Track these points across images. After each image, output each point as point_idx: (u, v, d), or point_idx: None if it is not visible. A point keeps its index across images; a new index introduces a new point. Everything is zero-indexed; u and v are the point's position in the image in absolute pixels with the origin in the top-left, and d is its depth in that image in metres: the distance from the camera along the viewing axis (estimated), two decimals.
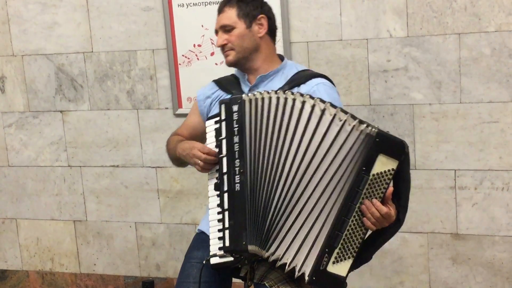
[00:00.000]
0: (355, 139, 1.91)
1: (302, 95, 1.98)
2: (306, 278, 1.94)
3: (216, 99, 2.37)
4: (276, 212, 1.98)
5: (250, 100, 2.05)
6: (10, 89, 3.65)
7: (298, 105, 1.97)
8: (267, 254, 1.99)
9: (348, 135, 1.91)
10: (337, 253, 1.93)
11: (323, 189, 1.93)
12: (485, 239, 3.02)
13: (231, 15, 2.28)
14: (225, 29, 2.29)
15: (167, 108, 3.39)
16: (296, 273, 1.96)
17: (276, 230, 1.98)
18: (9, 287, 3.90)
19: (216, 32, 2.34)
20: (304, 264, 1.95)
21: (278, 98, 2.01)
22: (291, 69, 2.34)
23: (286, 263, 1.97)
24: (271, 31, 2.35)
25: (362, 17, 3.01)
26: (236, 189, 2.01)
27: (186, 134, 2.46)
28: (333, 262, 1.93)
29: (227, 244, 2.00)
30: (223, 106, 2.08)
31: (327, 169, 1.93)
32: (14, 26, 3.57)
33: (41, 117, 3.63)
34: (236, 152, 2.03)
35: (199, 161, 2.15)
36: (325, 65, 3.09)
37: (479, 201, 3.00)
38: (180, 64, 3.30)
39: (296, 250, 1.96)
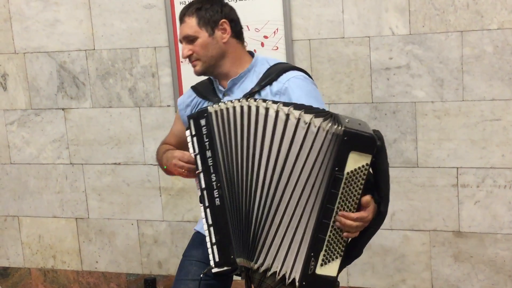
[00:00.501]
0: (323, 139, 1.88)
1: (265, 101, 1.95)
2: (297, 284, 1.93)
3: (195, 107, 2.36)
4: (258, 223, 1.97)
5: (216, 112, 2.01)
6: (12, 87, 3.65)
7: (262, 111, 1.93)
8: (256, 266, 1.99)
9: (315, 136, 1.88)
10: (324, 255, 1.92)
11: (300, 194, 1.91)
12: (487, 237, 3.02)
13: (191, 24, 2.22)
14: (188, 39, 2.24)
15: (169, 106, 3.39)
16: (287, 280, 1.95)
17: (261, 240, 1.97)
18: (11, 284, 3.91)
19: (181, 42, 2.29)
20: (293, 270, 1.94)
21: (242, 107, 1.97)
22: (262, 65, 2.29)
23: (276, 271, 1.96)
24: (236, 33, 2.29)
25: (364, 14, 3.00)
26: (217, 204, 2.00)
27: (173, 142, 2.45)
28: (321, 265, 1.92)
29: (216, 259, 2.02)
30: (191, 122, 2.04)
31: (300, 174, 1.90)
32: (16, 23, 3.57)
33: (43, 115, 3.63)
34: (211, 166, 2.01)
35: (182, 170, 2.14)
36: (327, 63, 3.09)
37: (482, 199, 3.00)
38: (182, 61, 3.30)
39: (284, 257, 1.95)
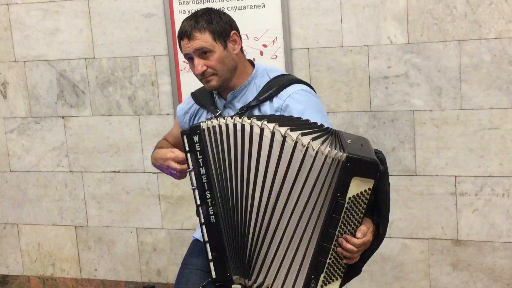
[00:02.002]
0: (322, 163, 1.85)
1: (260, 119, 1.92)
2: None
3: (194, 114, 2.35)
4: (254, 242, 1.96)
5: (209, 129, 1.98)
6: (12, 95, 3.66)
7: (256, 130, 1.90)
8: (251, 284, 1.99)
9: (314, 160, 1.85)
10: (324, 277, 1.92)
11: (299, 218, 1.89)
12: (486, 245, 3.03)
13: (206, 39, 2.14)
14: (203, 55, 2.15)
15: (168, 114, 3.40)
16: None
17: (259, 259, 1.96)
18: None
19: (189, 58, 2.19)
20: None
21: (235, 125, 1.94)
22: (263, 77, 2.25)
23: None
24: (241, 44, 2.26)
25: (363, 23, 3.02)
26: (212, 221, 1.99)
27: (171, 142, 2.46)
28: (321, 286, 1.92)
29: (213, 276, 2.02)
30: (185, 138, 2.01)
31: (298, 197, 1.88)
32: (16, 32, 3.58)
33: (42, 123, 3.64)
34: (205, 183, 1.99)
35: (175, 172, 2.16)
36: (326, 72, 3.10)
37: (480, 207, 3.01)
38: (181, 70, 3.31)
39: (284, 277, 1.94)
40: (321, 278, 1.91)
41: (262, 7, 3.12)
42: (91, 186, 3.62)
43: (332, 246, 1.89)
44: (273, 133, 1.88)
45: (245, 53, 2.32)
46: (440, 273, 3.11)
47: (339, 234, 1.88)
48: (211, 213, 2.00)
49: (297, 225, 1.90)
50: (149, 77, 3.40)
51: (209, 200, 2.00)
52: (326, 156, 1.85)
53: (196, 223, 3.45)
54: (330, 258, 1.90)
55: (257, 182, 1.92)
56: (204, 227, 2.02)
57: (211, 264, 2.02)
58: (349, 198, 1.85)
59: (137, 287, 3.65)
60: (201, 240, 2.20)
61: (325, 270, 1.91)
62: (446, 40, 2.92)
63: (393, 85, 3.03)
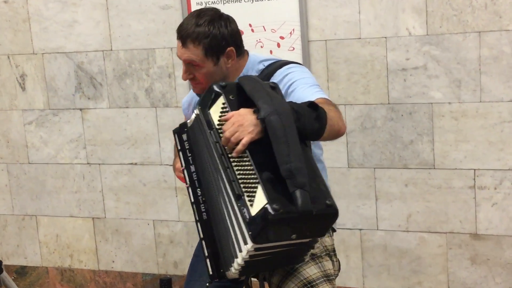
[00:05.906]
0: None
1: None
2: (248, 241, 1.73)
3: (195, 106, 2.33)
4: (219, 233, 1.93)
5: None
6: (31, 87, 3.68)
7: None
8: (233, 270, 1.89)
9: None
10: (247, 195, 1.74)
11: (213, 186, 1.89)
12: (505, 239, 2.99)
13: (197, 53, 2.09)
14: (192, 65, 2.12)
15: None
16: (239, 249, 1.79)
17: (224, 245, 1.90)
18: (29, 283, 3.94)
19: (179, 57, 2.16)
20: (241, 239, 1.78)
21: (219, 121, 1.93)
22: (257, 65, 2.19)
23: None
24: (238, 52, 2.16)
25: (381, 15, 2.99)
26: (204, 218, 1.97)
27: None
28: (251, 205, 1.73)
29: (210, 272, 1.99)
30: (176, 136, 2.03)
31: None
32: (34, 24, 3.60)
33: (60, 115, 3.65)
34: (196, 181, 1.98)
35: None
36: (344, 64, 3.08)
37: (499, 201, 2.97)
38: None
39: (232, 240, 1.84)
40: (246, 199, 1.74)
41: None
42: (109, 178, 3.63)
43: (230, 165, 1.79)
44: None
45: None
46: (458, 268, 3.09)
47: (224, 153, 1.82)
48: (203, 210, 1.97)
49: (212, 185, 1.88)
50: (166, 69, 3.40)
51: (200, 198, 1.98)
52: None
53: None
54: (238, 175, 1.78)
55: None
56: (199, 224, 1.99)
57: (207, 260, 2.00)
58: (218, 120, 1.86)
59: (153, 279, 3.66)
60: None
61: (242, 189, 1.75)
62: (465, 32, 2.89)
63: (412, 77, 3.00)
